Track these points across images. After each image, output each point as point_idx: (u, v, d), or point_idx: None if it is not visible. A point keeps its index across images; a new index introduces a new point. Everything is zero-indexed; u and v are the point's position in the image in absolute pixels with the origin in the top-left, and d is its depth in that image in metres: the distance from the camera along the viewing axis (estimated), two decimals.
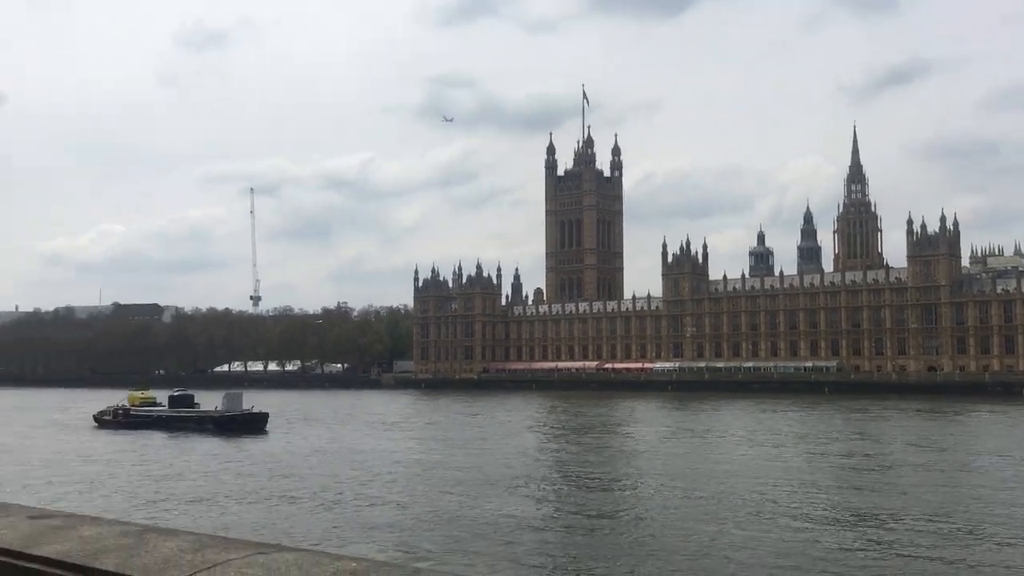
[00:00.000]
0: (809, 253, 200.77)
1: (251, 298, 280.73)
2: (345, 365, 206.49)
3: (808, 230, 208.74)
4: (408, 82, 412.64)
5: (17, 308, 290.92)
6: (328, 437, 60.29)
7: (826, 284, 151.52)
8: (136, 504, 31.23)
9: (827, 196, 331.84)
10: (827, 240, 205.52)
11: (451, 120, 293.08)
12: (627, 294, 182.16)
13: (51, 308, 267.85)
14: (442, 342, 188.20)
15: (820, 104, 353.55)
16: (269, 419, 67.08)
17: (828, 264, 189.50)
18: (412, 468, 42.21)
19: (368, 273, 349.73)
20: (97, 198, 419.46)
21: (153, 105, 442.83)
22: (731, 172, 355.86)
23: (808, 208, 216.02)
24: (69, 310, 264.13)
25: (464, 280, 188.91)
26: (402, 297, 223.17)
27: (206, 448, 53.39)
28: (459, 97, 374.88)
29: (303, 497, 32.46)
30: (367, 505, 30.79)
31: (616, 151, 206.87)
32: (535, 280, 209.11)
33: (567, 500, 33.66)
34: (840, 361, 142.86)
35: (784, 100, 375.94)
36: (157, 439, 59.78)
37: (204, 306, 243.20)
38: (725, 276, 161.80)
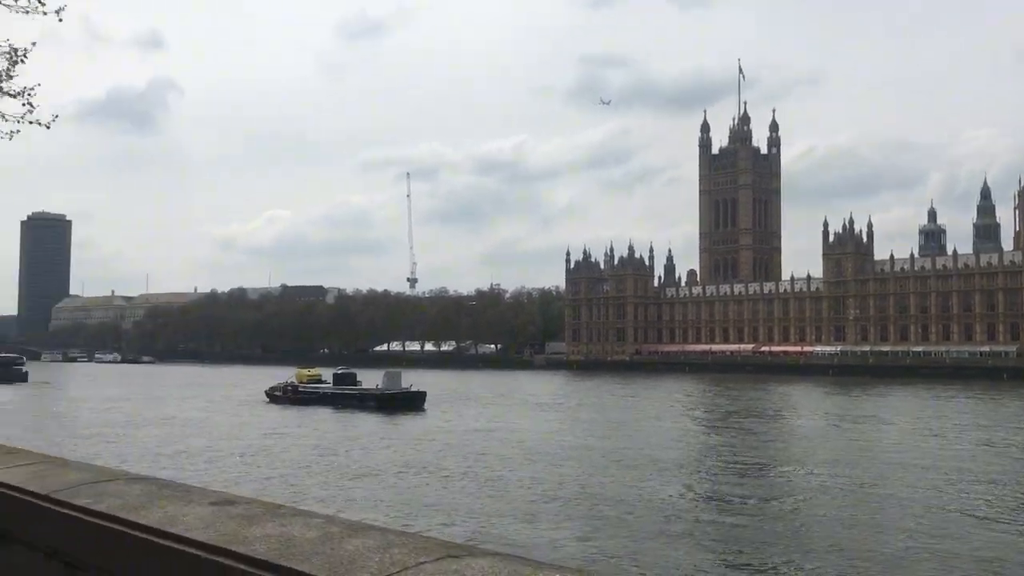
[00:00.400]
0: (986, 231, 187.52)
1: (408, 280, 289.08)
2: (498, 346, 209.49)
3: (985, 206, 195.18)
4: (560, 64, 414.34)
5: (196, 290, 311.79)
6: (484, 416, 61.24)
7: (1006, 263, 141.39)
8: (309, 478, 32.42)
9: (1007, 170, 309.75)
10: (1007, 217, 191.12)
11: (609, 103, 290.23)
12: (785, 275, 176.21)
13: (226, 290, 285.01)
14: (594, 323, 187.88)
15: (998, 73, 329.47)
16: (427, 397, 68.81)
17: (1008, 242, 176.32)
18: (568, 448, 42.17)
19: (520, 255, 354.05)
20: (266, 185, 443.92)
21: (317, 95, 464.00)
22: (898, 146, 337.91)
23: (985, 183, 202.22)
24: (242, 291, 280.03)
25: (616, 261, 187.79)
26: (554, 279, 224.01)
27: (369, 424, 55.29)
28: (612, 77, 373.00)
29: (466, 476, 32.87)
30: (528, 484, 30.85)
31: (774, 127, 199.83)
32: (688, 261, 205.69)
33: (725, 484, 32.70)
34: (1021, 346, 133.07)
35: (957, 69, 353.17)
36: (323, 415, 62.42)
37: (365, 287, 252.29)
38: (892, 256, 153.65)
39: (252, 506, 2.52)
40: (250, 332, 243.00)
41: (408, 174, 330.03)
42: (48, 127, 14.22)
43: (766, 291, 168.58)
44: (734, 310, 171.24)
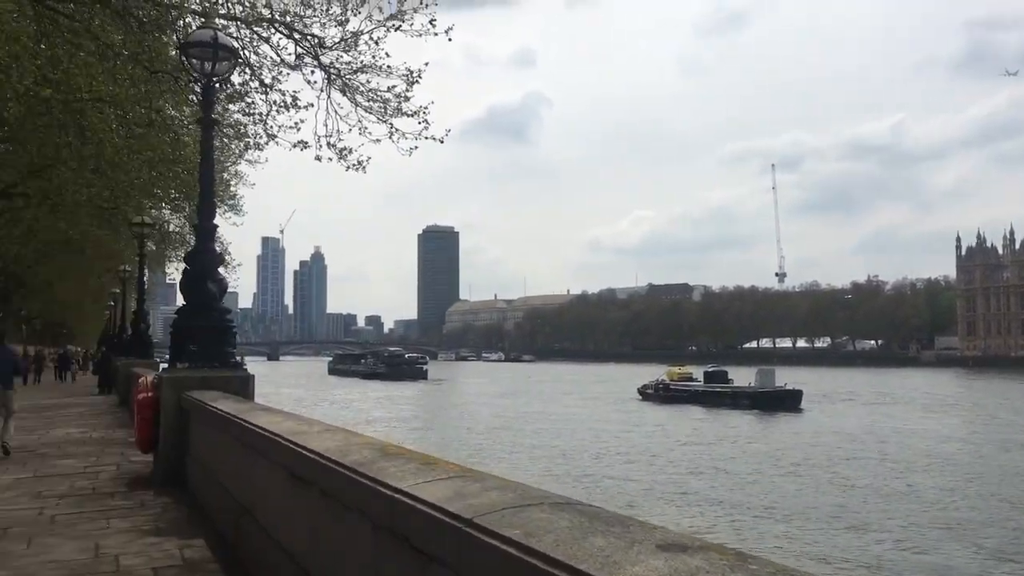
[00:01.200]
0: None
1: (776, 274, 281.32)
2: (878, 341, 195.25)
3: None
4: (940, 32, 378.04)
5: (568, 291, 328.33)
6: (869, 416, 56.78)
7: None
8: (696, 480, 31.47)
9: None
10: None
11: (1015, 74, 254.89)
12: None
13: (595, 290, 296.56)
14: (992, 315, 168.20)
15: None
16: (803, 396, 65.60)
17: None
18: (978, 457, 37.52)
19: (899, 243, 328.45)
20: (631, 186, 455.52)
21: (677, 93, 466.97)
22: None
23: None
24: (611, 291, 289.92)
25: (1018, 246, 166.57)
26: (941, 267, 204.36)
27: (745, 424, 53.59)
28: (1005, 40, 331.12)
29: (866, 483, 30.18)
30: (944, 497, 27.64)
31: None
32: None
33: None
34: None
35: None
36: (696, 413, 61.74)
37: (731, 284, 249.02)
38: None
39: (711, 555, 1.98)
40: (619, 331, 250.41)
41: (773, 165, 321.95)
42: (442, 142, 15.25)
43: None
44: None
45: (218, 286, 10.41)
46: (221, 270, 11.57)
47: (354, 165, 14.85)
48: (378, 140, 14.31)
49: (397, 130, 14.31)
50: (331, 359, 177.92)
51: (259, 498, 5.72)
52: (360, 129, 14.32)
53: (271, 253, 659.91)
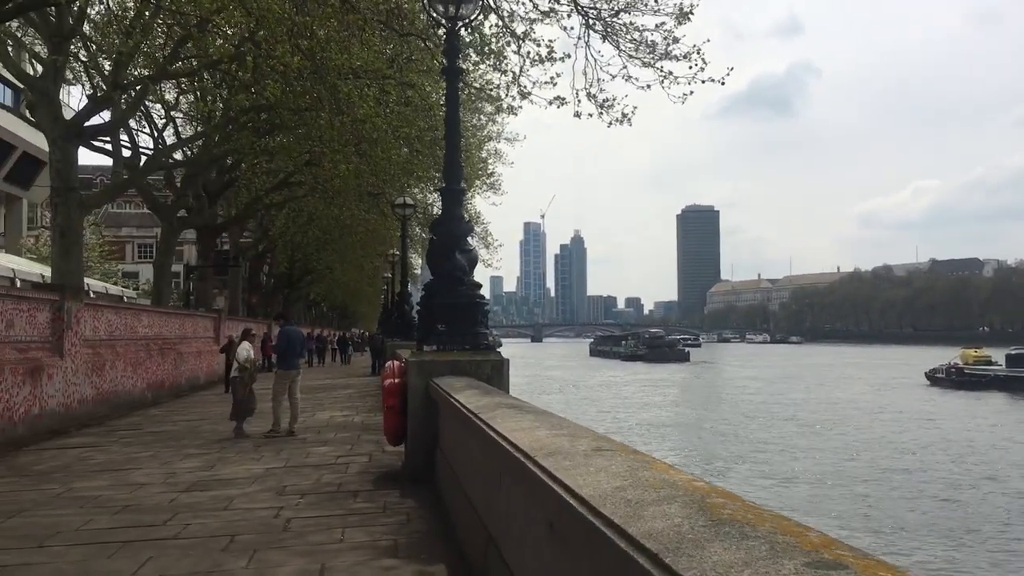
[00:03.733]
0: None
1: None
2: None
3: None
4: None
5: (839, 269, 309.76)
6: None
7: None
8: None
9: None
10: None
11: None
12: None
13: (869, 267, 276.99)
14: None
15: None
16: None
17: None
18: None
19: None
20: (910, 155, 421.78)
21: (964, 50, 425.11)
22: None
23: None
24: (887, 268, 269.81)
25: None
26: None
27: None
28: None
29: None
30: None
31: None
32: None
33: None
34: None
35: None
36: (999, 401, 54.77)
37: None
38: None
39: None
40: (898, 310, 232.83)
41: None
42: (723, 83, 13.11)
43: None
44: None
45: (467, 257, 9.09)
46: (483, 252, 10.33)
47: (618, 119, 13.04)
48: (647, 86, 12.32)
49: (669, 73, 12.27)
50: (592, 341, 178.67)
51: (508, 530, 4.17)
52: (624, 77, 12.48)
53: (533, 238, 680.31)
